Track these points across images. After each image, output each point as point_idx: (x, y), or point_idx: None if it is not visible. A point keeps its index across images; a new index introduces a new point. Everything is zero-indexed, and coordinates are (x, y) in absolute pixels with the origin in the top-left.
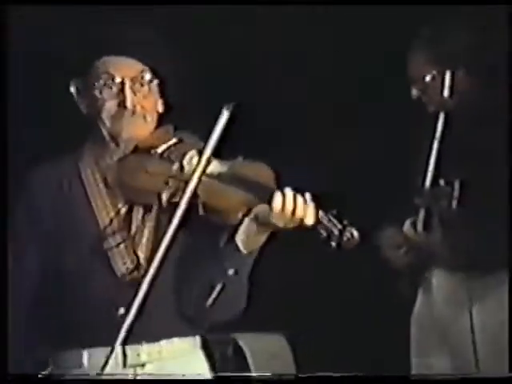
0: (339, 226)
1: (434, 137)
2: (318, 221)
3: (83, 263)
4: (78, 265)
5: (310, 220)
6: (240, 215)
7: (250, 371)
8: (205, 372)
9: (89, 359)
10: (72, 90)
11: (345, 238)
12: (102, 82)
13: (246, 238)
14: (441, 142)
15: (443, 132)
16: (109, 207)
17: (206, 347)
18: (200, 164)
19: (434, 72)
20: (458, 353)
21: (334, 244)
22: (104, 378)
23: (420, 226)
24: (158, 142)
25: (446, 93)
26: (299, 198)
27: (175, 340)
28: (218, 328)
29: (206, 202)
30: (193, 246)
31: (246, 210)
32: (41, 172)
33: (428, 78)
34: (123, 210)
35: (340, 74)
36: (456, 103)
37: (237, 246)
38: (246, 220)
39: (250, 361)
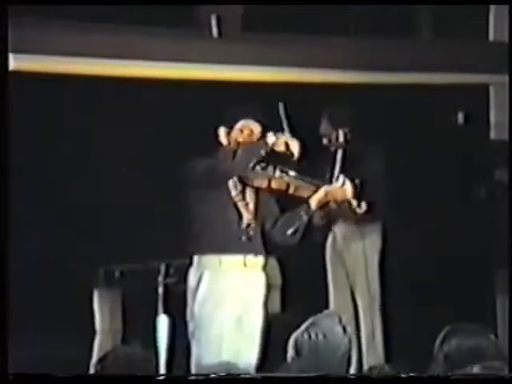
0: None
1: (334, 163)
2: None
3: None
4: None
5: (350, 193)
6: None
7: None
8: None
9: (223, 262)
10: (221, 134)
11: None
12: (244, 132)
13: (316, 200)
14: (341, 166)
15: (342, 160)
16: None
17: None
18: (287, 171)
19: (333, 131)
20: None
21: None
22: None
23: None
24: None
25: (341, 139)
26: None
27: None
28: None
29: (294, 187)
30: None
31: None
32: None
33: (330, 134)
34: (239, 196)
35: None
36: (346, 144)
37: (309, 204)
38: (317, 193)
39: None
